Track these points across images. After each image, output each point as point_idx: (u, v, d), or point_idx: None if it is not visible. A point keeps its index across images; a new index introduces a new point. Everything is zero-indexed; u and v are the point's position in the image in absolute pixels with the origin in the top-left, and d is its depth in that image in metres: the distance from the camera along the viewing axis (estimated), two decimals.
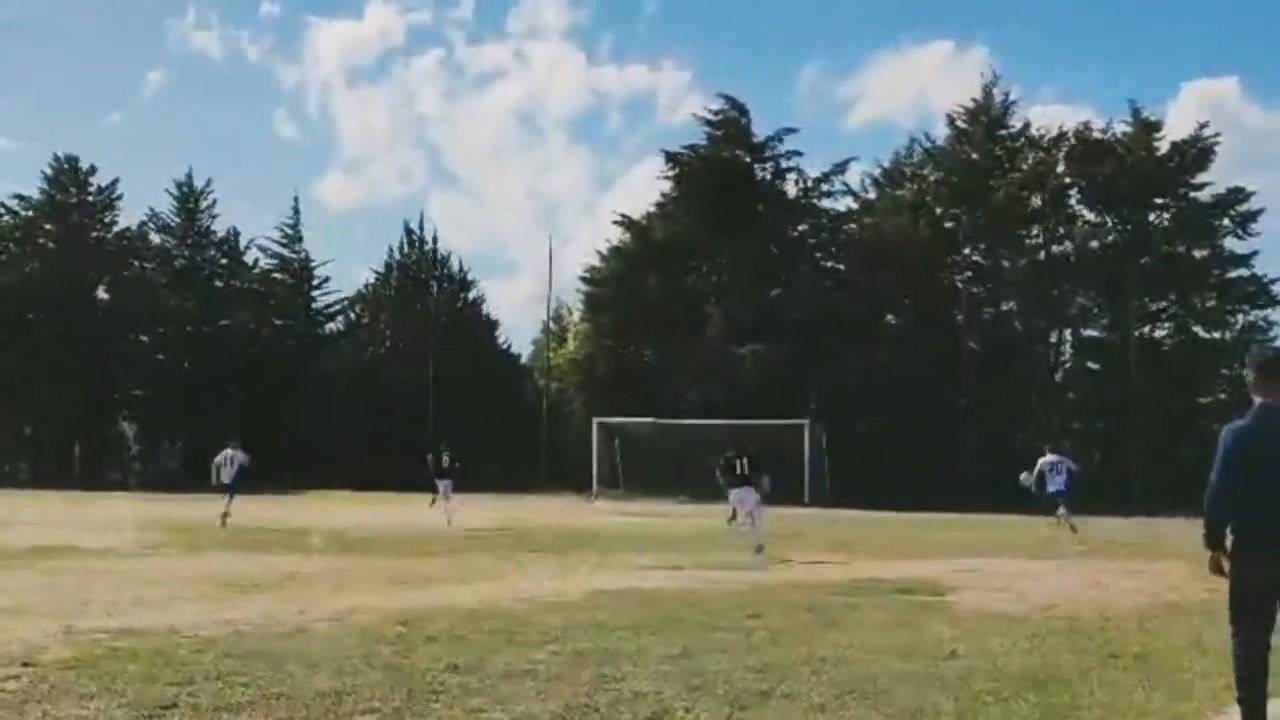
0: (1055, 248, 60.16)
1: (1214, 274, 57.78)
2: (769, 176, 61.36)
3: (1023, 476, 27.56)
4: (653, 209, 61.88)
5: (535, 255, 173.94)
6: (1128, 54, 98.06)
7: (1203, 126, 57.92)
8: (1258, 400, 6.55)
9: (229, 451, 27.80)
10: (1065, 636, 10.78)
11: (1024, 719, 7.38)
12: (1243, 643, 6.52)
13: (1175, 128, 59.96)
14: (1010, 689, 8.05)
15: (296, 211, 68.91)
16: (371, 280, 69.92)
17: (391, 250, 69.57)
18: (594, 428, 50.99)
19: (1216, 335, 58.07)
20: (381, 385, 62.38)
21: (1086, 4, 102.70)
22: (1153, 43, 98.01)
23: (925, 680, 8.32)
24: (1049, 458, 27.68)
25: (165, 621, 10.55)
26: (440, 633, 10.16)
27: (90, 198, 64.20)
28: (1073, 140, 58.63)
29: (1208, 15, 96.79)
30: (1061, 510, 27.30)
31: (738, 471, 21.10)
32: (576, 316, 70.30)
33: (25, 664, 8.35)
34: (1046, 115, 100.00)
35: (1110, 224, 59.24)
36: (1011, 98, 60.49)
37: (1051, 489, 27.34)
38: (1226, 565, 6.56)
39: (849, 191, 62.21)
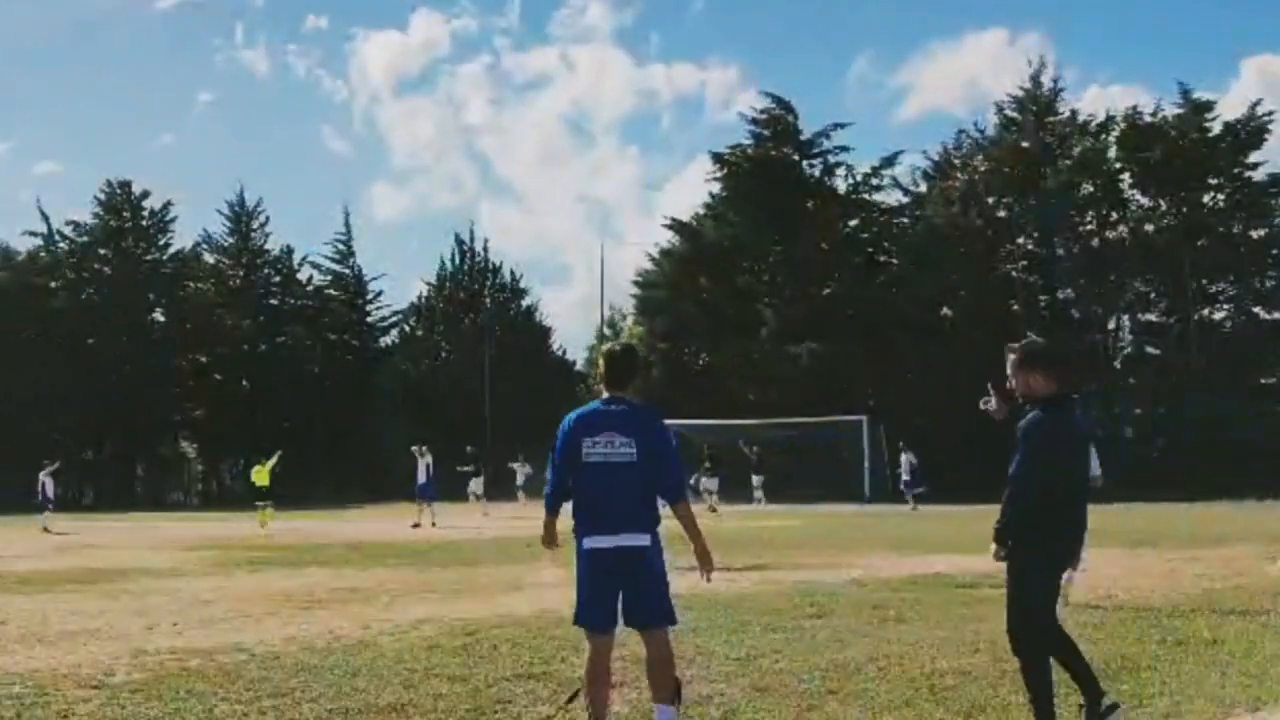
0: (1109, 233, 59.55)
1: (1272, 254, 57.04)
2: (818, 173, 61.06)
3: None
4: (702, 210, 61.92)
5: (588, 260, 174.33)
6: (1187, 32, 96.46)
7: (1255, 104, 57.25)
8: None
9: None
10: (1133, 624, 10.67)
11: None
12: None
13: (1237, 105, 59.20)
14: None
15: (348, 226, 69.58)
16: (424, 292, 70.44)
17: (443, 261, 70.28)
18: None
19: (1277, 315, 57.34)
20: (437, 397, 62.67)
21: None
22: (1213, 20, 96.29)
23: (995, 675, 8.24)
24: None
25: (232, 640, 10.63)
26: (504, 642, 10.19)
27: (144, 221, 65.00)
28: (1122, 125, 58.06)
29: None
30: None
31: None
32: (630, 320, 70.34)
33: (95, 686, 8.44)
34: (1107, 97, 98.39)
35: (1164, 207, 58.51)
36: (1061, 84, 60.11)
37: None
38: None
39: (898, 185, 61.94)
